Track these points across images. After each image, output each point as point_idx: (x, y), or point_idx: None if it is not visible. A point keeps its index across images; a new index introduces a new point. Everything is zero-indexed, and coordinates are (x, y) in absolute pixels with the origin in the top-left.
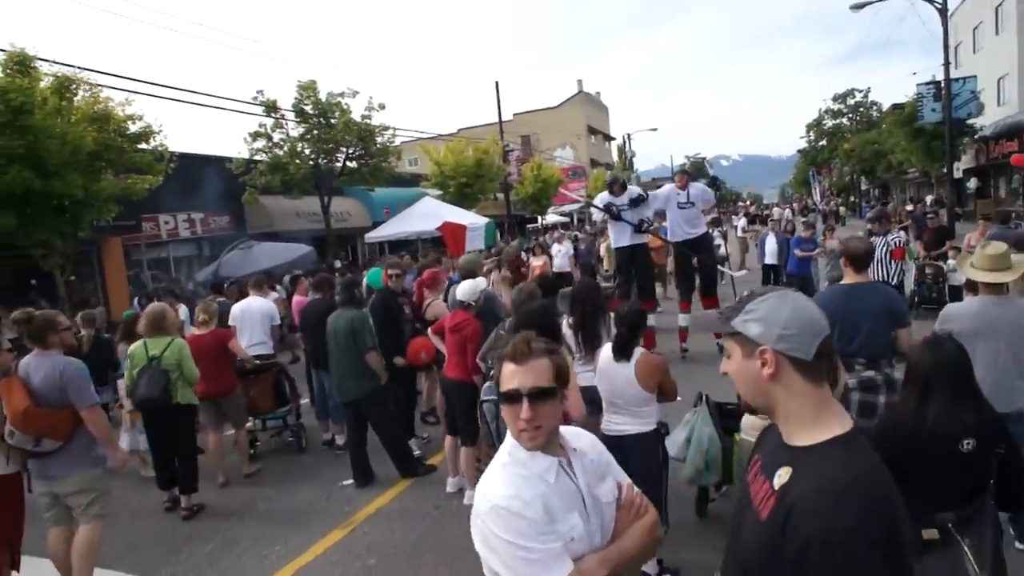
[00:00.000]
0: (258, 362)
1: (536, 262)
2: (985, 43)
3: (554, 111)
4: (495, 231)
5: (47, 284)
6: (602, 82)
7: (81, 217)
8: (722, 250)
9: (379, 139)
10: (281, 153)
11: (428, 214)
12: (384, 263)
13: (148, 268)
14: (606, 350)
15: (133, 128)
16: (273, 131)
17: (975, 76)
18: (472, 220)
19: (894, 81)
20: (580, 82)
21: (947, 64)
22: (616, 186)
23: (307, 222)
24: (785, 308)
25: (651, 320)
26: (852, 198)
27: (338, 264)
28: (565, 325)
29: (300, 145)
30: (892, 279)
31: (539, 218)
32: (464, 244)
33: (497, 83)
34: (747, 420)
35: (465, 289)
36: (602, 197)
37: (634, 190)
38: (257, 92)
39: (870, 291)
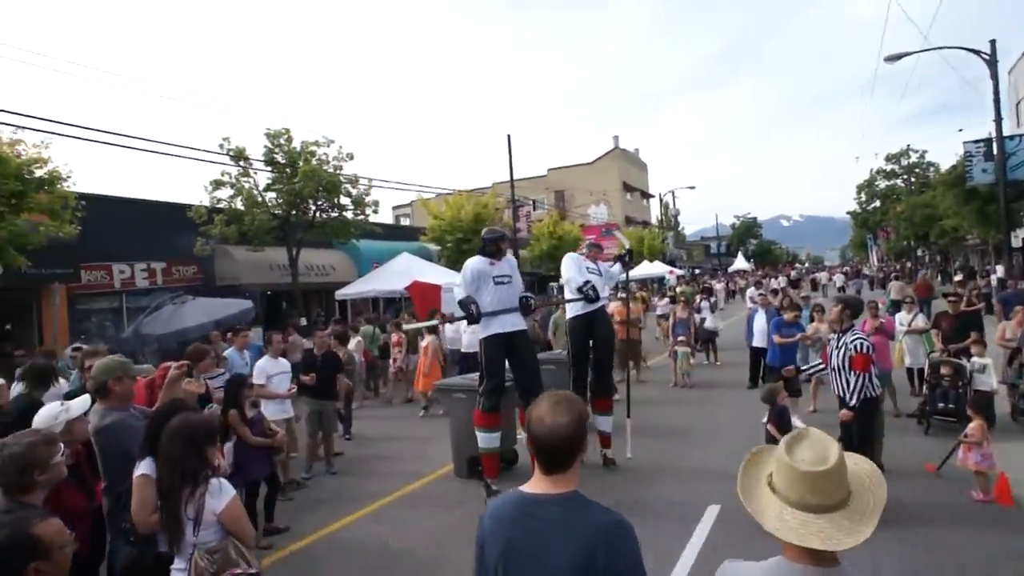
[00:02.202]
0: None
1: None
2: None
3: (589, 167)
4: None
5: None
6: (649, 141)
7: None
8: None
9: (353, 191)
10: (239, 204)
11: (401, 272)
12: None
13: (92, 319)
14: None
15: (39, 172)
16: (238, 180)
17: None
18: (452, 279)
19: (954, 142)
20: (616, 138)
21: (998, 120)
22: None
23: (279, 275)
24: None
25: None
26: (908, 264)
27: (303, 322)
28: None
29: (265, 195)
30: (851, 398)
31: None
32: (438, 304)
33: (509, 136)
34: None
35: (40, 417)
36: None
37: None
38: (224, 139)
39: (563, 528)
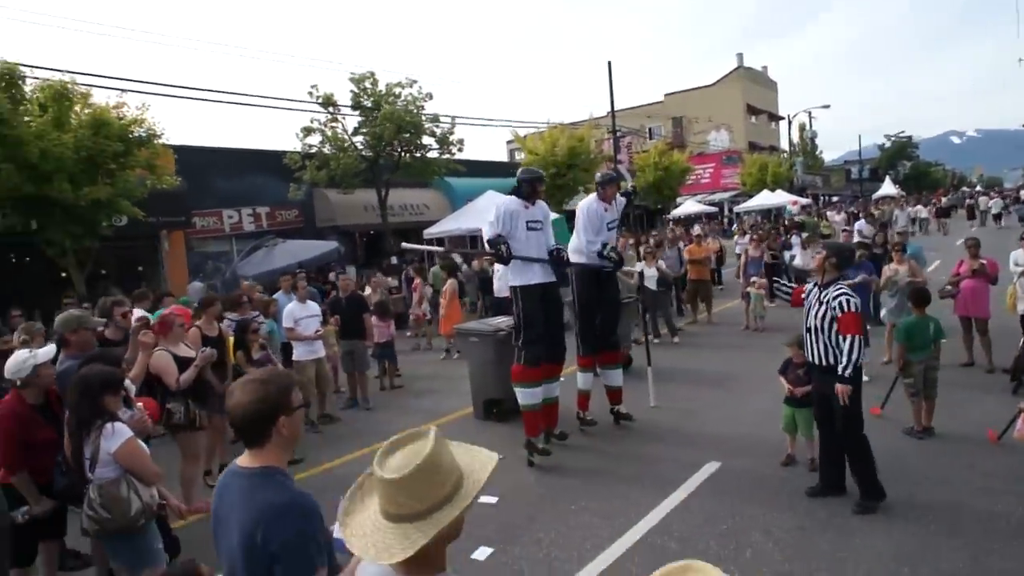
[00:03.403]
0: None
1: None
2: None
3: (710, 90)
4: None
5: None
6: (785, 60)
7: (93, 220)
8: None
9: (437, 130)
10: (327, 149)
11: (485, 209)
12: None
13: (211, 261)
14: None
15: (138, 132)
16: (326, 125)
17: None
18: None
19: None
20: (740, 56)
21: None
22: (611, 187)
23: (373, 216)
24: None
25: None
26: None
27: (393, 261)
28: None
29: (353, 139)
30: (847, 367)
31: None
32: None
33: (609, 63)
34: None
35: (11, 362)
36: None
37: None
38: (312, 87)
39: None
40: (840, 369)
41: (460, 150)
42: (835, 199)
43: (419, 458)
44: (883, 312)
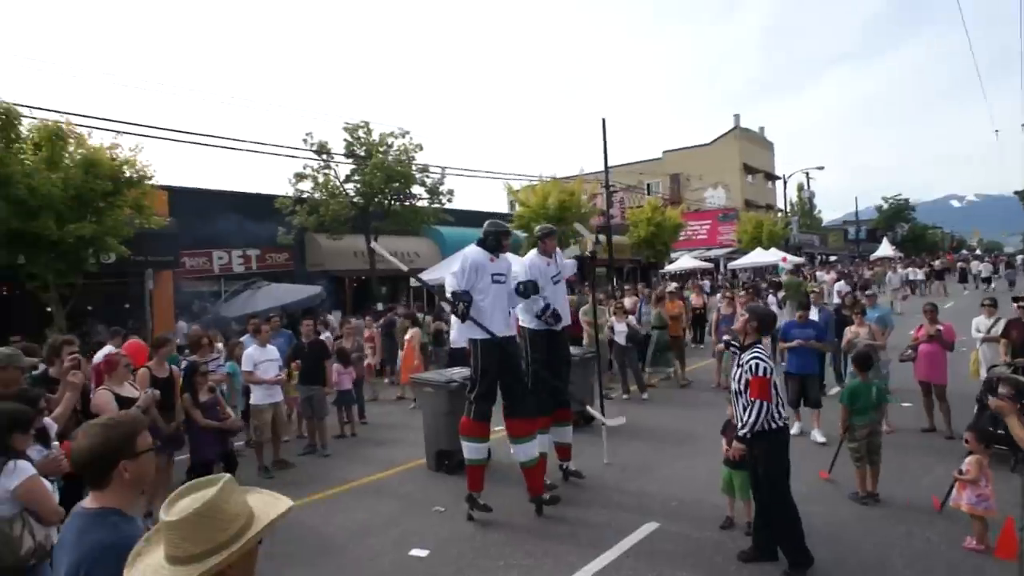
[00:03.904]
0: None
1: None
2: None
3: (707, 148)
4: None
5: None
6: (783, 120)
7: (78, 256)
8: None
9: (427, 180)
10: (318, 195)
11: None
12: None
13: (198, 301)
14: None
15: (128, 172)
16: (317, 172)
17: None
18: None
19: None
20: (737, 117)
21: None
22: (549, 240)
23: (362, 262)
24: None
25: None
26: None
27: (379, 307)
28: None
29: (344, 186)
30: (743, 427)
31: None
32: None
33: (604, 120)
34: None
35: None
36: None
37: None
38: (307, 135)
39: None
40: (740, 429)
41: (450, 200)
42: (832, 259)
43: (199, 503)
44: (847, 377)
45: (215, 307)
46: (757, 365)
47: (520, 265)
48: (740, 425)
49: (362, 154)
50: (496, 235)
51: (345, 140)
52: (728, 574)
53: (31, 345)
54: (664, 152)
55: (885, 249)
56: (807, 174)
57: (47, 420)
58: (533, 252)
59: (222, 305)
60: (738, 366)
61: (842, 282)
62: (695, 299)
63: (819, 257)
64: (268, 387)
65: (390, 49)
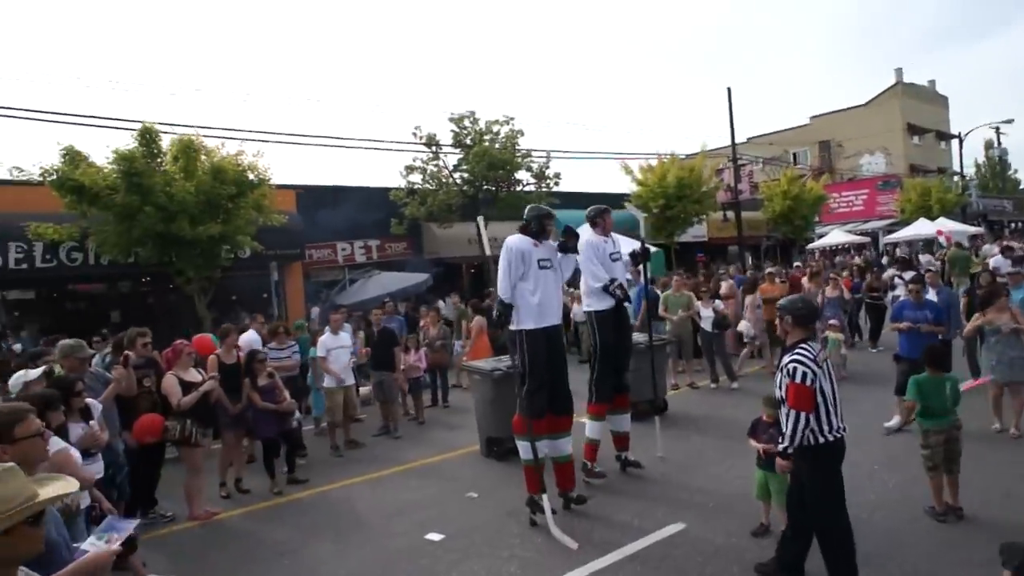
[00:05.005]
0: None
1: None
2: None
3: (862, 110)
4: (664, 260)
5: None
6: (968, 74)
7: (212, 252)
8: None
9: (533, 165)
10: (429, 185)
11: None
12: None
13: (324, 290)
14: None
15: (251, 176)
16: (426, 164)
17: None
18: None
19: None
20: (899, 71)
21: None
22: (603, 219)
23: (475, 249)
24: None
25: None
26: None
27: (490, 291)
28: None
29: (453, 175)
30: (784, 440)
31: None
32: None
33: (729, 90)
34: None
35: (12, 381)
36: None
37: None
38: (415, 128)
39: None
40: (781, 444)
41: (556, 184)
42: None
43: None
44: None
45: (332, 295)
46: (795, 369)
47: (595, 258)
48: (780, 438)
49: (468, 143)
50: (538, 219)
51: (452, 131)
52: None
53: (118, 337)
54: (811, 118)
55: None
56: (997, 129)
57: (90, 401)
58: (588, 231)
59: (336, 293)
60: (778, 368)
61: (999, 256)
62: (808, 284)
63: (1013, 225)
64: (341, 371)
65: (497, 31)
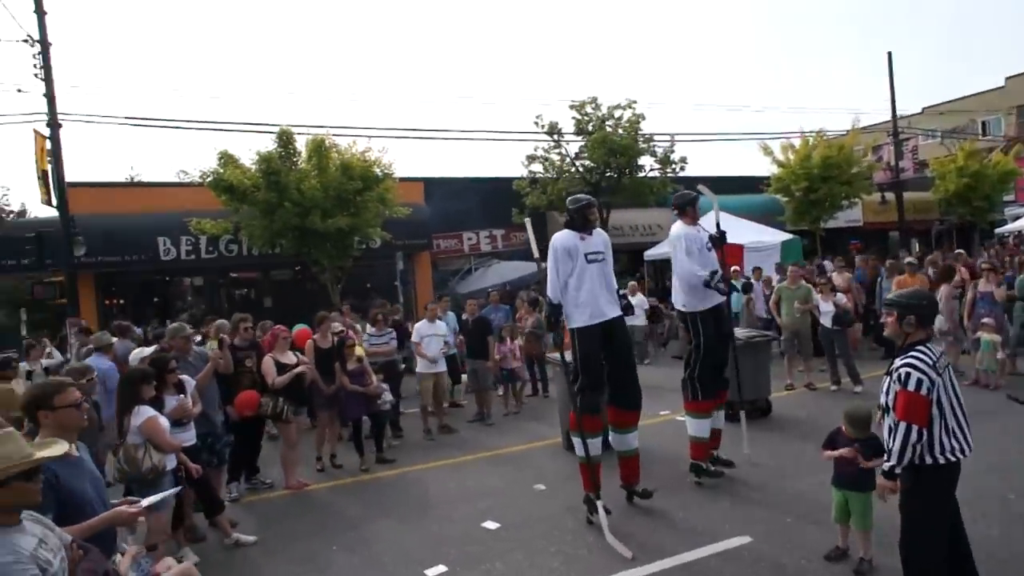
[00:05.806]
0: None
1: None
2: None
3: None
4: (801, 248)
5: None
6: None
7: (343, 243)
8: None
9: (657, 150)
10: (550, 174)
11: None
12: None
13: (451, 278)
14: None
15: (376, 171)
16: (547, 152)
17: None
18: (756, 238)
19: None
20: None
21: None
22: (690, 208)
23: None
24: None
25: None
26: None
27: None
28: None
29: (575, 163)
30: (890, 458)
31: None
32: (741, 264)
33: (890, 54)
34: None
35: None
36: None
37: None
38: (536, 117)
39: None
40: (886, 462)
41: (682, 168)
42: None
43: None
44: None
45: (453, 283)
46: (909, 375)
47: (692, 249)
48: (886, 454)
49: (590, 130)
50: (579, 211)
51: (573, 118)
52: None
53: (223, 322)
54: (1007, 79)
55: None
56: None
57: (184, 377)
58: (679, 223)
59: (457, 281)
60: (887, 373)
61: None
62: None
63: None
64: (433, 357)
65: (623, 13)
